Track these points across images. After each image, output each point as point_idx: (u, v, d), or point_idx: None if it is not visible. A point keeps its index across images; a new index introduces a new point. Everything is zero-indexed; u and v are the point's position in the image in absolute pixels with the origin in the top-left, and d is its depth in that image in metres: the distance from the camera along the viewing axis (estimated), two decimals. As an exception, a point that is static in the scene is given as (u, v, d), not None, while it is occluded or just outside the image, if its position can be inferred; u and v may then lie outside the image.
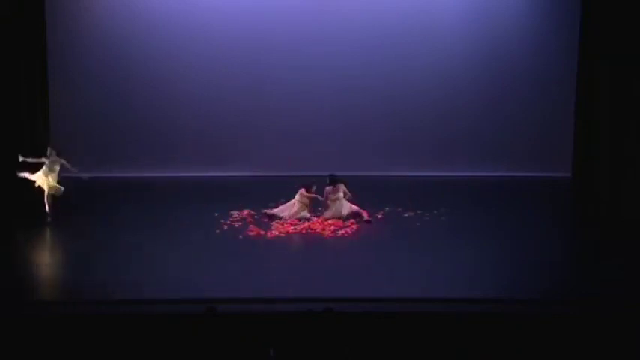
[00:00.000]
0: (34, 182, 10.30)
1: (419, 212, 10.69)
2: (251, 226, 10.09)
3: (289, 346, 6.69)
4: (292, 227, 10.07)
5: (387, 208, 10.75)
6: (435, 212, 10.72)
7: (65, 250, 9.48)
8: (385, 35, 13.04)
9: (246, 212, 10.59)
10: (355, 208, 10.42)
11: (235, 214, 10.56)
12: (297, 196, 10.48)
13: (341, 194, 10.45)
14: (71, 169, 10.40)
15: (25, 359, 6.96)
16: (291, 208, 10.44)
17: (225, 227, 10.10)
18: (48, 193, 10.24)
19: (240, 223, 10.22)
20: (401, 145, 13.22)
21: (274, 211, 10.50)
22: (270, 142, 13.18)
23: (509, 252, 9.20)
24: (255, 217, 10.45)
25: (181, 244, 9.41)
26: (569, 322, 7.19)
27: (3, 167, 11.24)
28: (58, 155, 10.36)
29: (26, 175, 10.33)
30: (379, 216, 10.48)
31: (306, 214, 10.41)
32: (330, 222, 10.20)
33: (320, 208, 10.54)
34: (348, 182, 10.60)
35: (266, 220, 10.31)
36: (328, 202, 10.49)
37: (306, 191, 10.50)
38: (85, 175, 10.59)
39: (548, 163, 13.06)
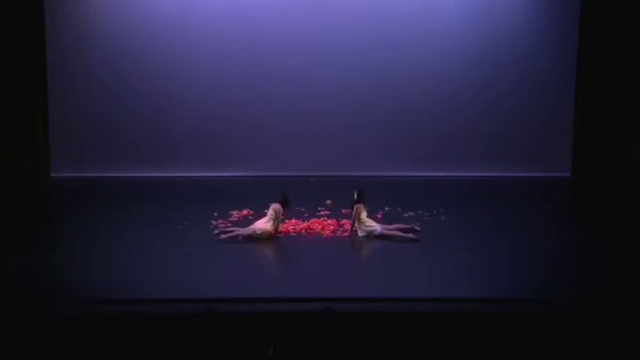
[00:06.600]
0: None
1: (419, 212, 10.69)
2: (251, 226, 10.09)
3: (288, 346, 6.70)
4: (292, 227, 10.04)
5: (387, 208, 10.74)
6: (435, 212, 10.72)
7: (64, 249, 9.46)
8: (385, 35, 13.02)
9: (246, 212, 10.58)
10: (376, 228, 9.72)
11: (235, 213, 10.56)
12: (269, 211, 9.68)
13: (359, 215, 9.74)
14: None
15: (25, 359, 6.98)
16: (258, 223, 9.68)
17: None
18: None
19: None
20: (401, 145, 13.21)
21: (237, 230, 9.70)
22: (270, 142, 13.18)
23: (508, 252, 9.19)
24: (251, 217, 10.31)
25: (181, 244, 9.41)
26: (568, 322, 7.19)
27: (2, 167, 11.24)
28: None
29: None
30: (378, 216, 10.47)
31: (270, 228, 9.57)
32: (329, 222, 10.18)
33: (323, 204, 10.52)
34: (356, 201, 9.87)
35: (224, 236, 9.63)
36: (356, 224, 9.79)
37: (282, 207, 9.71)
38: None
39: (548, 162, 13.07)
